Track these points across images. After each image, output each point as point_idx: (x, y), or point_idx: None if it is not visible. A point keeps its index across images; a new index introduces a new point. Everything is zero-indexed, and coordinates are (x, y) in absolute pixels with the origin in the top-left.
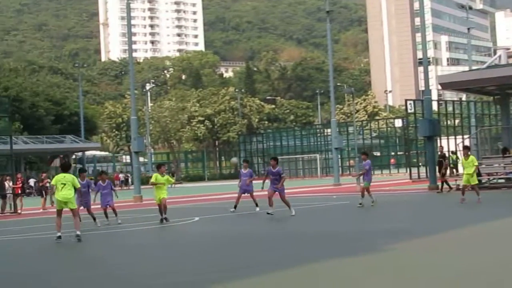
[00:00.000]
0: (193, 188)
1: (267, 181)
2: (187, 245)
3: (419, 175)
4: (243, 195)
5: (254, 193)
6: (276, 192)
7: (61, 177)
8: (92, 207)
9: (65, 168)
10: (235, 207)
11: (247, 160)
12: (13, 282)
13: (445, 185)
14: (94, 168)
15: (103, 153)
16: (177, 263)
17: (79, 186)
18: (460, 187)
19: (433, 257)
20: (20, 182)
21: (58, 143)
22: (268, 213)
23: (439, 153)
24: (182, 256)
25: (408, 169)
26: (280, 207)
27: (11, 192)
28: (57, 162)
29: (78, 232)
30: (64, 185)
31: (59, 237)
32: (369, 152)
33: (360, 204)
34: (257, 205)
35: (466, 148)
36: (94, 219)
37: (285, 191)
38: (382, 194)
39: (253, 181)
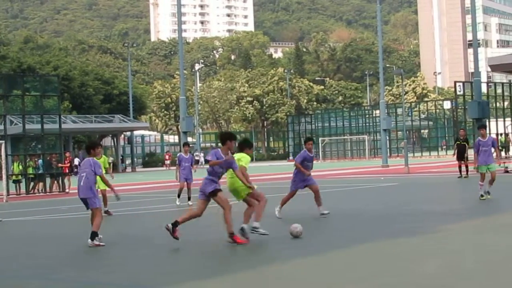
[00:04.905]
0: None
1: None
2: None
3: (467, 157)
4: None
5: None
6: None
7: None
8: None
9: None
10: (189, 199)
11: (188, 143)
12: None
13: (463, 169)
14: (142, 148)
15: (151, 132)
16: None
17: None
18: (509, 170)
19: (480, 239)
20: (68, 161)
21: (107, 122)
22: (323, 214)
23: (461, 137)
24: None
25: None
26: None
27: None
28: (105, 142)
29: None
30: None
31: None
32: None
33: (483, 195)
34: (189, 199)
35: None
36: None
37: (329, 172)
38: (430, 176)
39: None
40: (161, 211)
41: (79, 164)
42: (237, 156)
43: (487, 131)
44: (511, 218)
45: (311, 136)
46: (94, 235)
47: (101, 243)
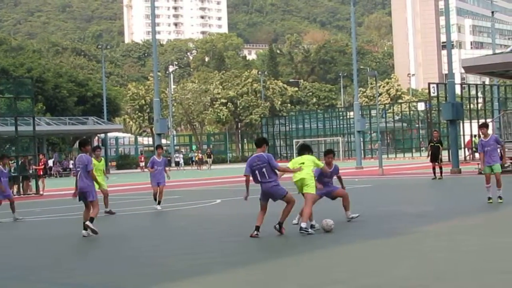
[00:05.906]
0: (215, 170)
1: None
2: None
3: (441, 159)
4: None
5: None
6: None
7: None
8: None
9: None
10: (158, 203)
11: (161, 146)
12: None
13: (437, 171)
14: (116, 150)
15: (125, 134)
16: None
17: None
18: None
19: (454, 239)
20: (42, 163)
21: (81, 124)
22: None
23: (434, 139)
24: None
25: (430, 153)
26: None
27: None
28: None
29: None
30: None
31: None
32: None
33: (490, 198)
34: (159, 203)
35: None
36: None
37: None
38: (405, 178)
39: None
40: (139, 212)
41: (53, 165)
42: (302, 159)
43: (458, 131)
44: (484, 219)
45: (332, 149)
46: (92, 219)
47: (95, 230)
